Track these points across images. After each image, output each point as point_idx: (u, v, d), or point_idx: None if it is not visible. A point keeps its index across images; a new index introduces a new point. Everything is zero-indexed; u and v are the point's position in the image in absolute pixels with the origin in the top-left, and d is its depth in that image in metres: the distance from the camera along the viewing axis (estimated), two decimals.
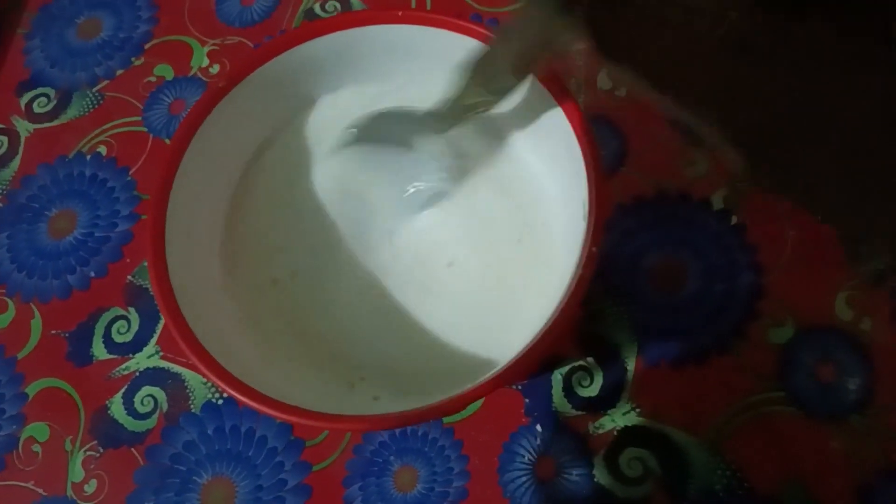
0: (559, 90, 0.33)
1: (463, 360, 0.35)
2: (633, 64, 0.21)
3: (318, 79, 0.38)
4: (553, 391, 0.38)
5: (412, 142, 0.36)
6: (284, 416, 0.29)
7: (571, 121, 0.32)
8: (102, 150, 0.47)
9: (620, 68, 0.22)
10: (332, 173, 0.38)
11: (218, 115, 0.35)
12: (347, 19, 0.36)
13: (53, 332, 0.43)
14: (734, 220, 0.40)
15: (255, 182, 0.39)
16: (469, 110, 0.34)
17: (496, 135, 0.38)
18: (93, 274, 0.44)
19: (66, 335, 0.43)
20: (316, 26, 0.36)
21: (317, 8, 0.50)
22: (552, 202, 0.37)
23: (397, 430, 0.38)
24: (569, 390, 0.38)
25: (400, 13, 0.36)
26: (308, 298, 0.36)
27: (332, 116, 0.39)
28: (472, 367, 0.35)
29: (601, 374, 0.38)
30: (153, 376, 0.41)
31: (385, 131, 0.37)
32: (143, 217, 0.45)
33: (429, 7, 0.48)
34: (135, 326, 0.42)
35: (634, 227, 0.41)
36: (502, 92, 0.32)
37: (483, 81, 0.32)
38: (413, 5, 0.48)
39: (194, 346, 0.31)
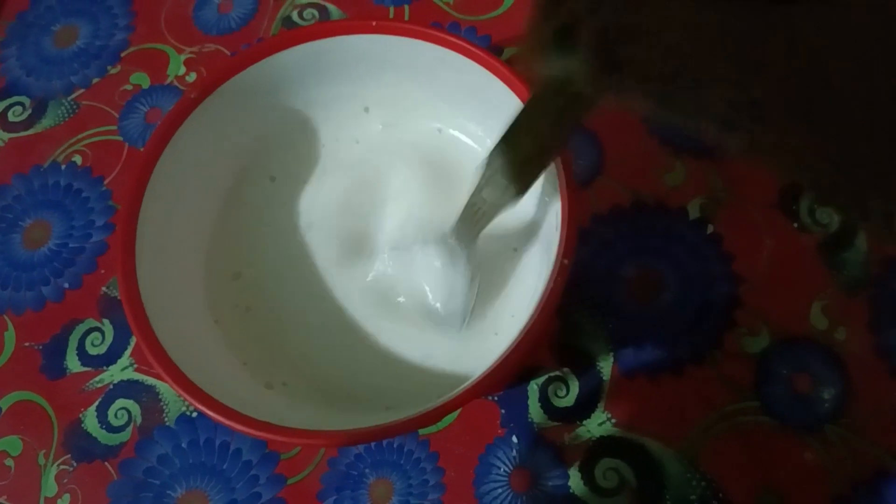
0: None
1: (439, 374, 0.35)
2: (641, 76, 0.21)
3: (295, 89, 0.38)
4: (529, 402, 0.38)
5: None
6: (257, 433, 0.29)
7: None
8: (78, 159, 0.47)
9: (631, 87, 0.22)
10: (322, 194, 0.38)
11: (191, 125, 0.35)
12: (322, 29, 0.36)
13: (27, 344, 0.42)
14: (711, 229, 0.40)
15: (235, 196, 0.39)
16: (491, 215, 0.33)
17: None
18: (67, 285, 0.44)
19: (40, 347, 0.42)
20: (290, 36, 0.36)
21: (294, 16, 0.49)
22: (529, 212, 0.37)
23: (372, 443, 0.38)
24: (545, 401, 0.38)
25: (374, 23, 0.36)
26: (283, 318, 0.36)
27: (312, 128, 0.40)
28: (448, 380, 0.35)
29: (577, 384, 0.38)
30: (127, 389, 0.41)
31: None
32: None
33: (407, 16, 0.48)
34: (109, 338, 0.42)
35: (611, 237, 0.41)
36: (530, 183, 0.31)
37: (508, 178, 0.30)
38: (392, 14, 0.48)
39: (164, 360, 0.31)
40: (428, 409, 0.29)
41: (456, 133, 0.39)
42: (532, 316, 0.29)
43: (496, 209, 0.32)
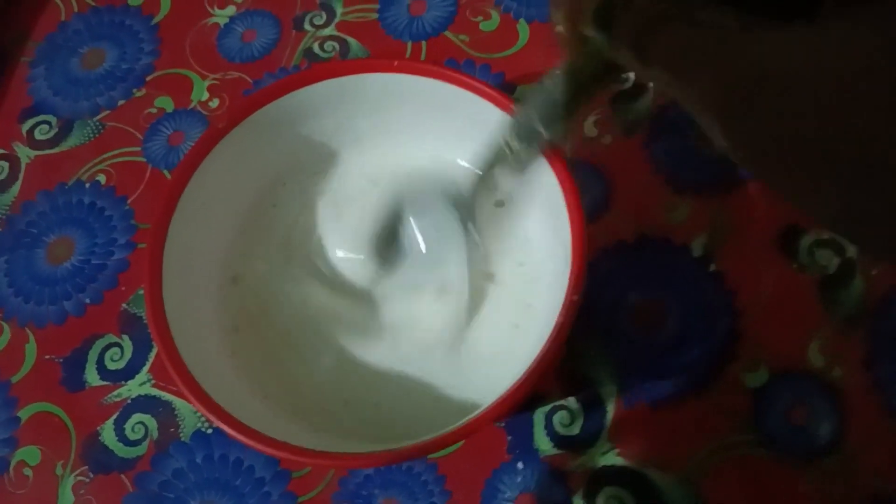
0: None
1: (449, 398, 0.36)
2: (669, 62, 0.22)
3: (317, 123, 0.39)
4: (535, 429, 0.39)
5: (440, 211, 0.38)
6: (272, 451, 0.30)
7: (556, 171, 0.34)
8: (102, 178, 0.49)
9: (656, 72, 0.23)
10: (342, 227, 0.39)
11: (218, 154, 0.37)
12: (347, 66, 0.38)
13: (48, 356, 0.44)
14: (713, 266, 0.42)
15: (258, 224, 0.40)
16: (507, 166, 0.35)
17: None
18: (88, 301, 0.45)
19: (60, 360, 0.44)
20: (315, 71, 0.38)
21: (315, 47, 0.51)
22: (540, 246, 0.38)
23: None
24: (550, 429, 0.39)
25: (396, 63, 0.37)
26: (303, 343, 0.38)
27: (333, 158, 0.41)
28: (457, 405, 0.36)
29: (582, 413, 0.39)
30: (144, 404, 0.42)
31: (420, 199, 0.38)
32: (140, 246, 0.46)
33: (424, 52, 0.50)
34: (128, 354, 0.43)
35: (617, 270, 0.43)
36: (545, 140, 0.33)
37: (529, 131, 0.33)
38: (409, 50, 0.50)
39: (185, 377, 0.32)
40: (440, 435, 0.30)
41: (468, 165, 0.41)
42: (541, 350, 0.31)
43: (519, 162, 0.34)
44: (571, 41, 0.27)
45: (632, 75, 0.46)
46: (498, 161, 0.35)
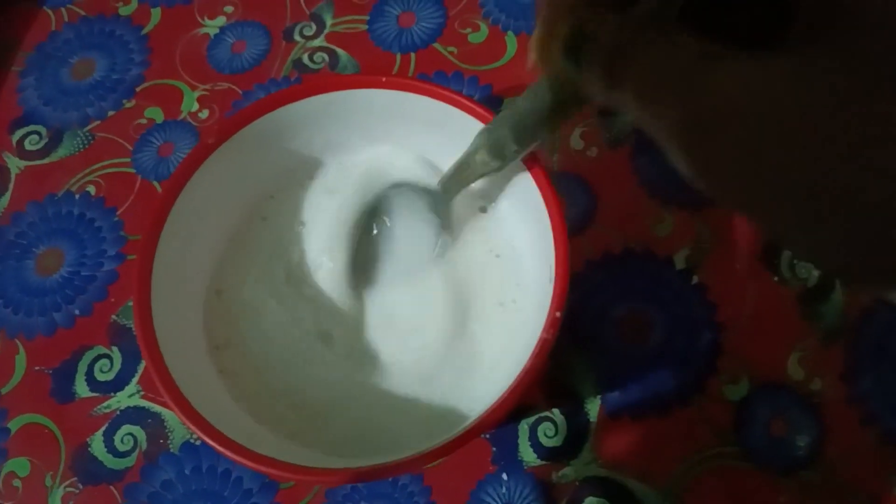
0: (531, 160, 0.35)
1: (435, 410, 0.37)
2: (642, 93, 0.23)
3: (306, 137, 0.40)
4: (519, 441, 0.40)
5: (417, 215, 0.39)
6: (259, 467, 0.31)
7: (540, 186, 0.34)
8: (91, 189, 0.49)
9: (623, 101, 0.23)
10: (328, 240, 0.40)
11: (207, 169, 0.37)
12: (335, 82, 0.38)
13: (37, 368, 0.44)
14: (696, 279, 0.42)
15: (246, 238, 0.40)
16: (475, 176, 0.36)
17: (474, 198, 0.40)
18: (77, 312, 0.45)
19: (50, 372, 0.44)
20: (304, 87, 0.38)
21: (305, 58, 0.51)
22: (524, 260, 0.39)
23: None
24: (535, 440, 0.40)
25: (384, 79, 0.38)
26: (289, 358, 0.38)
27: (322, 171, 0.42)
28: (443, 419, 0.36)
29: (566, 424, 0.40)
30: (133, 415, 0.42)
31: (398, 203, 0.39)
32: (129, 257, 0.46)
33: (413, 64, 0.50)
34: (117, 365, 0.43)
35: (602, 281, 0.43)
36: (516, 155, 0.34)
37: (500, 146, 0.33)
38: (398, 62, 0.50)
39: (173, 391, 0.32)
40: (425, 451, 0.30)
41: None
42: (525, 365, 0.31)
43: (482, 173, 0.35)
44: (544, 69, 0.27)
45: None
46: (464, 171, 0.36)
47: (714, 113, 0.19)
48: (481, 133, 0.34)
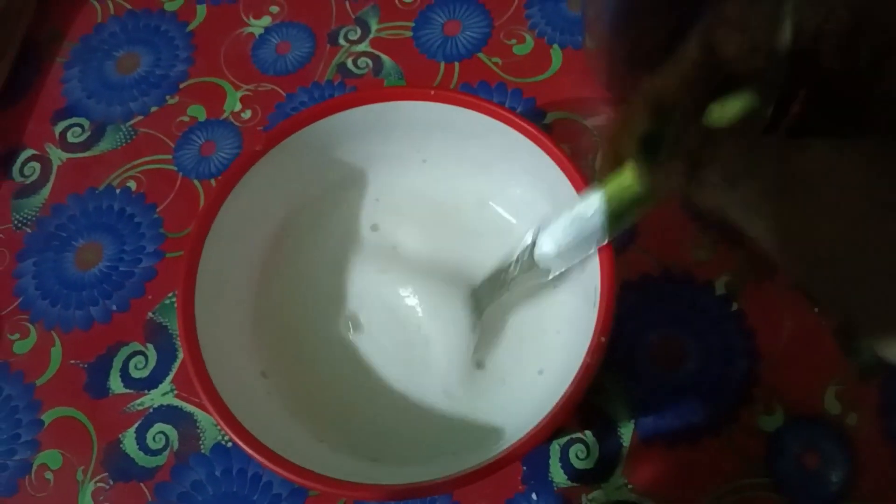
0: (573, 173, 0.35)
1: (471, 428, 0.37)
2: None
3: (350, 147, 0.40)
4: (551, 461, 0.40)
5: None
6: (290, 476, 0.31)
7: None
8: (132, 184, 0.49)
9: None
10: (367, 253, 0.40)
11: (254, 175, 0.37)
12: (383, 93, 0.38)
13: (73, 361, 0.44)
14: (735, 306, 0.42)
15: (287, 246, 0.40)
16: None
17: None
18: (115, 307, 0.45)
19: (85, 366, 0.44)
20: (352, 97, 0.38)
21: (349, 63, 0.51)
22: (563, 282, 0.39)
23: None
24: (565, 461, 0.40)
25: (432, 92, 0.38)
26: (322, 370, 0.38)
27: (366, 183, 0.42)
28: (478, 436, 0.37)
29: (598, 447, 0.40)
30: (166, 414, 0.42)
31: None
32: (168, 255, 0.46)
33: (457, 74, 0.50)
34: (152, 363, 0.44)
35: (639, 305, 0.43)
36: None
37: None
38: (442, 71, 0.50)
39: (209, 389, 0.33)
40: (462, 473, 0.30)
41: (499, 200, 0.42)
42: (567, 389, 0.31)
43: (520, 284, 0.36)
44: (610, 166, 0.28)
45: None
46: (499, 285, 0.37)
47: (803, 177, 0.19)
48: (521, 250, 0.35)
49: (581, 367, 0.31)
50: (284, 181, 0.39)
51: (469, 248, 0.40)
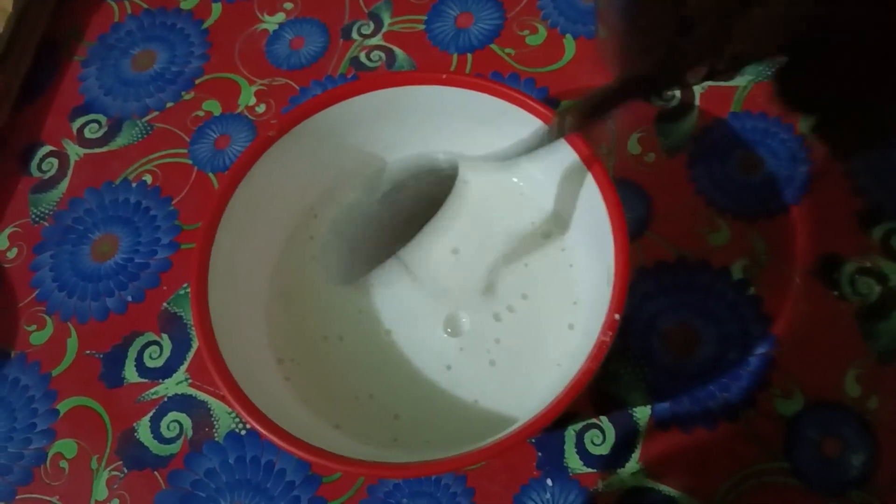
0: (588, 156, 0.34)
1: (484, 413, 0.37)
2: None
3: (363, 133, 0.40)
4: (566, 447, 0.39)
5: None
6: (305, 455, 0.31)
7: (602, 189, 0.34)
8: (148, 178, 0.50)
9: None
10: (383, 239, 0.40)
11: (266, 161, 0.37)
12: (395, 78, 0.38)
13: (88, 352, 0.45)
14: (751, 290, 0.42)
15: (302, 235, 0.40)
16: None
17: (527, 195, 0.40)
18: (130, 298, 0.46)
19: (101, 356, 0.44)
20: (364, 83, 0.38)
21: (363, 57, 0.52)
22: (579, 262, 0.38)
23: None
24: (581, 447, 0.39)
25: (444, 76, 0.38)
26: (338, 356, 0.38)
27: (378, 173, 0.42)
28: (491, 420, 0.36)
29: (613, 432, 0.39)
30: (180, 402, 0.43)
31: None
32: (183, 247, 0.47)
33: (470, 64, 0.50)
34: (166, 353, 0.44)
35: (654, 291, 0.42)
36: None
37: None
38: (455, 62, 0.50)
39: (224, 373, 0.33)
40: (471, 451, 0.30)
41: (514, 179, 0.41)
42: (581, 367, 0.31)
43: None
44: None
45: (678, 94, 0.47)
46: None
47: None
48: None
49: (595, 344, 0.31)
50: (298, 168, 0.39)
51: (486, 226, 0.40)
